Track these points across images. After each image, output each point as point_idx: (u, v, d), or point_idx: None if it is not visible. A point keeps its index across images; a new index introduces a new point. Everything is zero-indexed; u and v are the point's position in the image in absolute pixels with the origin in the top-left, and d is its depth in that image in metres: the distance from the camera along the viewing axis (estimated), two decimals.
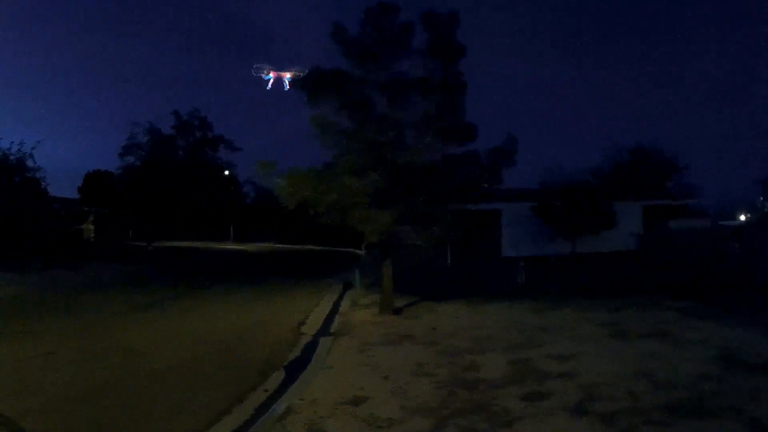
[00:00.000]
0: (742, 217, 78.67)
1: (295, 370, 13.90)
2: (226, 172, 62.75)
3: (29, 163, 43.30)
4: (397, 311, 22.16)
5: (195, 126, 61.04)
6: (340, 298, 27.59)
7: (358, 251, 49.12)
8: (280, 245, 63.11)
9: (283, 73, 30.69)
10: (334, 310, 23.96)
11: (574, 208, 38.93)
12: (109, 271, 38.65)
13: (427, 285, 28.92)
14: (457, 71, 21.29)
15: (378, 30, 20.72)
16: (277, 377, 13.26)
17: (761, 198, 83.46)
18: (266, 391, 12.17)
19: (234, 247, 58.56)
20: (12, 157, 42.11)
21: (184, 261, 48.74)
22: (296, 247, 59.77)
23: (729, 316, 18.61)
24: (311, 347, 16.70)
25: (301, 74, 23.09)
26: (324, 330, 19.68)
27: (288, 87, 30.39)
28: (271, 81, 31.88)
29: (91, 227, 57.14)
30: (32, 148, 43.33)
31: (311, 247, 58.03)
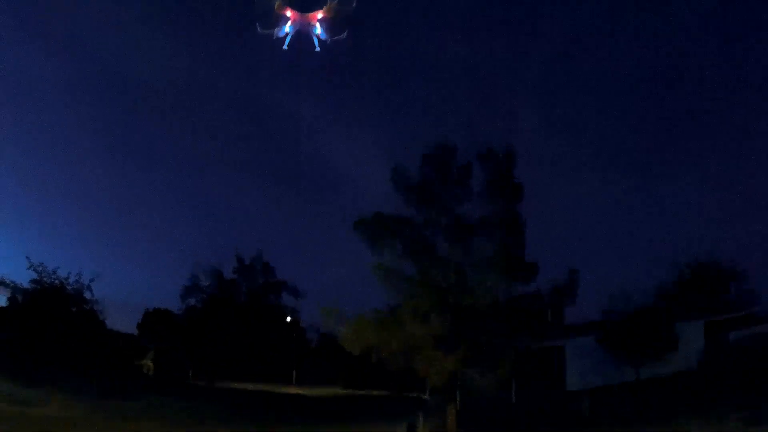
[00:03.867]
0: None
1: None
2: (288, 319, 62.68)
3: (87, 294, 43.58)
4: None
5: (258, 270, 61.41)
6: None
7: (423, 396, 48.29)
8: (345, 390, 62.09)
9: (310, 15, 15.48)
10: None
11: (638, 337, 38.00)
12: (166, 406, 38.31)
13: (492, 423, 28.15)
14: (516, 211, 21.43)
15: (437, 173, 21.10)
16: None
17: None
18: None
19: (297, 391, 57.88)
20: (69, 287, 42.50)
21: (245, 402, 48.35)
22: (361, 392, 58.77)
23: None
24: None
25: (334, 10, 15.20)
26: None
27: (322, 39, 15.75)
28: (287, 31, 15.89)
29: (150, 364, 57.25)
30: (90, 281, 43.55)
31: (377, 392, 57.18)
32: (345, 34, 16.07)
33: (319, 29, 15.71)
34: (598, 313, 45.07)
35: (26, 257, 42.15)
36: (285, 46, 15.76)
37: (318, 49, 15.99)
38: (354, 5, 15.46)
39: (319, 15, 15.47)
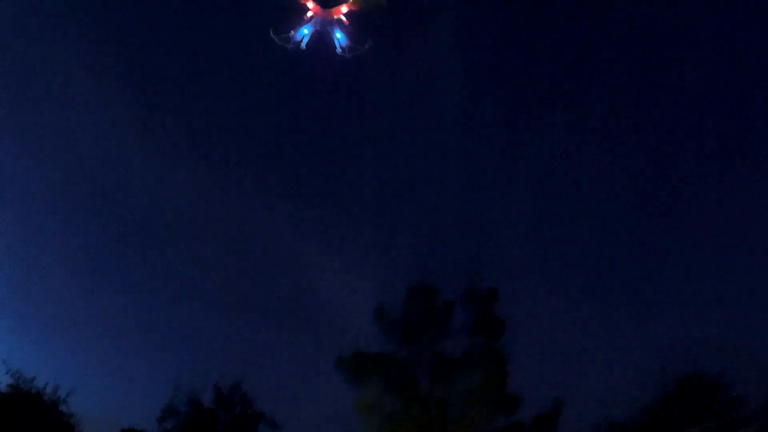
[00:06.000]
0: None
1: None
2: None
3: (63, 408, 42.87)
4: None
5: (236, 401, 60.92)
6: None
7: None
8: None
9: (333, 10, 14.22)
10: None
11: None
12: None
13: None
14: (498, 346, 21.65)
15: (420, 311, 21.39)
16: None
17: None
18: None
19: None
20: (46, 398, 41.87)
21: None
22: None
23: None
24: None
25: (361, 3, 14.25)
26: None
27: (344, 46, 14.31)
28: (306, 32, 14.53)
29: None
30: (67, 394, 42.94)
31: None
32: (368, 44, 14.61)
33: (340, 32, 14.29)
34: None
35: (3, 361, 41.63)
36: (303, 46, 14.38)
37: (339, 50, 14.55)
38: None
39: (344, 8, 14.05)
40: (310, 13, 14.04)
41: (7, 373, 41.11)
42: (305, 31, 14.12)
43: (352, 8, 13.88)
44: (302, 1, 13.81)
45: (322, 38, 14.37)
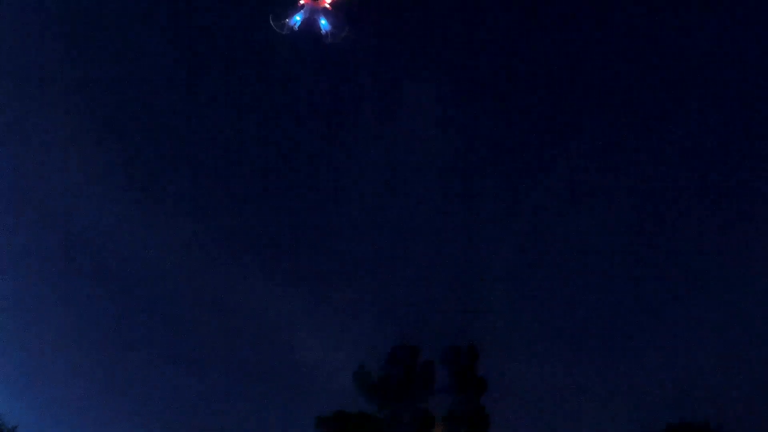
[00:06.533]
0: None
1: None
2: None
3: None
4: None
5: None
6: None
7: None
8: None
9: (321, 1, 17.66)
10: None
11: None
12: None
13: None
14: (481, 404, 21.56)
15: (401, 371, 21.36)
16: None
17: None
18: None
19: None
20: None
21: None
22: None
23: None
24: None
25: None
26: None
27: (326, 32, 17.82)
28: (298, 18, 18.04)
29: None
30: None
31: None
32: (345, 31, 17.89)
33: (325, 19, 17.53)
34: None
35: None
36: (296, 28, 17.66)
37: (324, 32, 17.81)
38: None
39: (328, 0, 17.11)
40: (302, 2, 17.43)
41: None
42: (297, 17, 17.47)
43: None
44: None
45: (311, 28, 17.88)
